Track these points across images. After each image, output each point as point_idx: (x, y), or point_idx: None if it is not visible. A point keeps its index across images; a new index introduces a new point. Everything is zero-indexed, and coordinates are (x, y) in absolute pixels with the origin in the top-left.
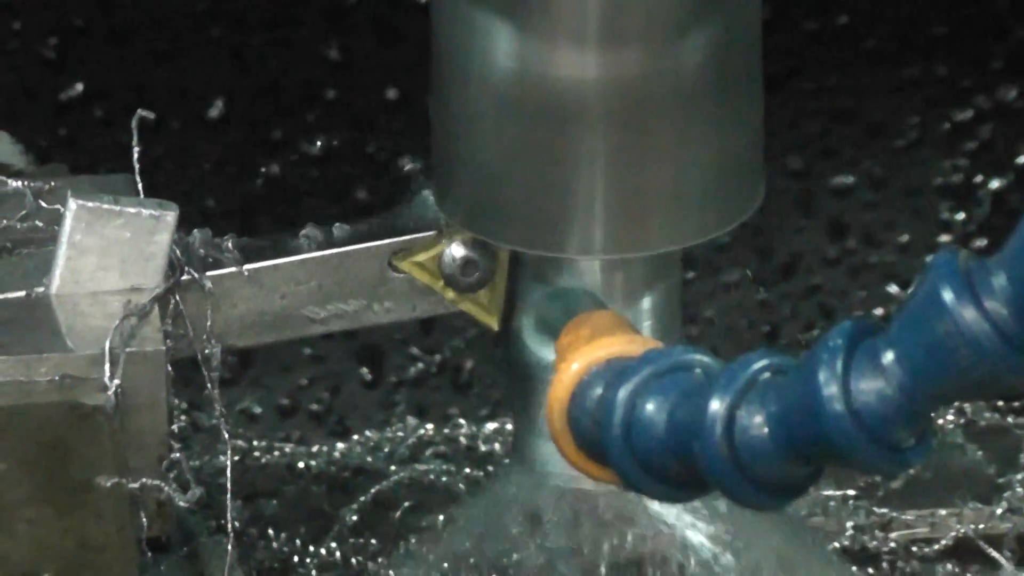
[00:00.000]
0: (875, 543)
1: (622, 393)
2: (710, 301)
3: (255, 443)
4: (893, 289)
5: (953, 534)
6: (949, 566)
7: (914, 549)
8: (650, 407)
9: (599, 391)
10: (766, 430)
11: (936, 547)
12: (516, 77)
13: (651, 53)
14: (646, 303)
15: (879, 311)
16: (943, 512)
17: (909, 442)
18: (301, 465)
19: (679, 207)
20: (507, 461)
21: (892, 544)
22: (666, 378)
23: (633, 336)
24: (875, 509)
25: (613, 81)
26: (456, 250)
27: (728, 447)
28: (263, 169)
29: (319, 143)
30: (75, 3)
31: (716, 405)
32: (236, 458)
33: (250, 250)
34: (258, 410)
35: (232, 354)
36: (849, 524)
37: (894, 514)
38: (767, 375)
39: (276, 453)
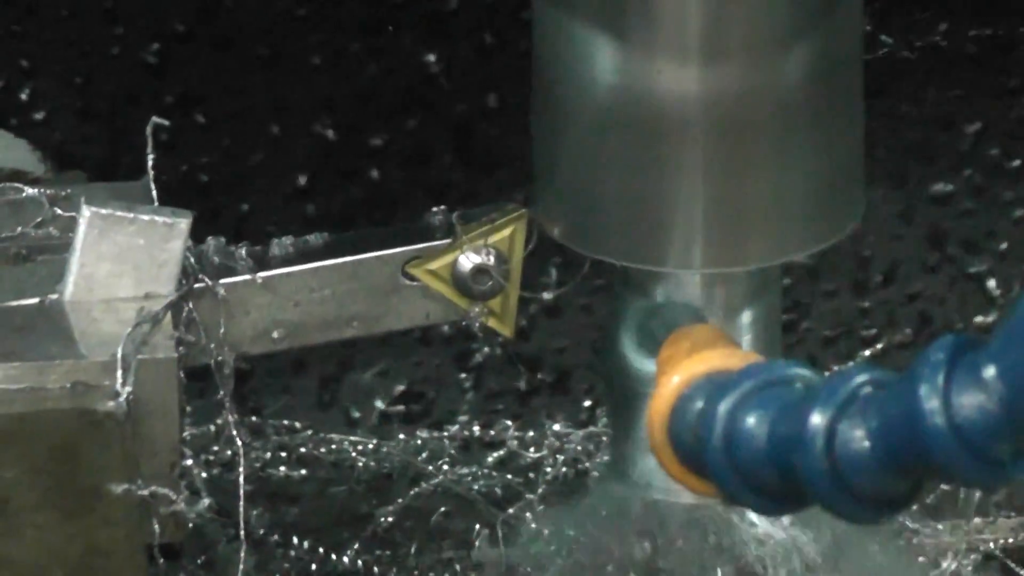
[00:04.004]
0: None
1: (723, 407)
2: (809, 308)
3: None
4: (992, 296)
5: (981, 548)
6: None
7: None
8: (751, 420)
9: (700, 405)
10: (867, 444)
11: (972, 557)
12: (617, 92)
13: (753, 68)
14: (746, 317)
15: (978, 319)
16: (977, 520)
17: (1010, 456)
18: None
19: (779, 222)
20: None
21: (921, 558)
22: (766, 392)
23: (733, 350)
24: (907, 523)
25: (714, 96)
26: (469, 258)
27: (829, 461)
28: (363, 175)
29: (419, 149)
30: (177, 9)
31: (817, 419)
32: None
33: (264, 257)
34: (357, 414)
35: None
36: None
37: (917, 525)
38: (868, 389)
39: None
